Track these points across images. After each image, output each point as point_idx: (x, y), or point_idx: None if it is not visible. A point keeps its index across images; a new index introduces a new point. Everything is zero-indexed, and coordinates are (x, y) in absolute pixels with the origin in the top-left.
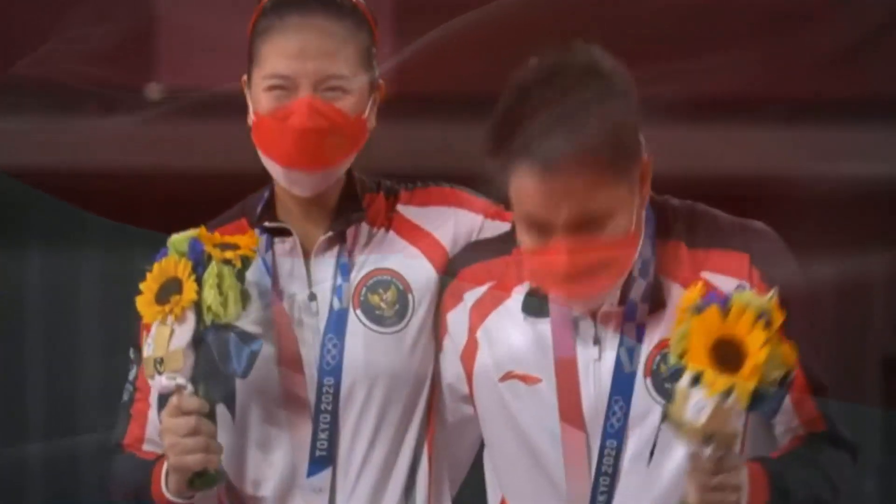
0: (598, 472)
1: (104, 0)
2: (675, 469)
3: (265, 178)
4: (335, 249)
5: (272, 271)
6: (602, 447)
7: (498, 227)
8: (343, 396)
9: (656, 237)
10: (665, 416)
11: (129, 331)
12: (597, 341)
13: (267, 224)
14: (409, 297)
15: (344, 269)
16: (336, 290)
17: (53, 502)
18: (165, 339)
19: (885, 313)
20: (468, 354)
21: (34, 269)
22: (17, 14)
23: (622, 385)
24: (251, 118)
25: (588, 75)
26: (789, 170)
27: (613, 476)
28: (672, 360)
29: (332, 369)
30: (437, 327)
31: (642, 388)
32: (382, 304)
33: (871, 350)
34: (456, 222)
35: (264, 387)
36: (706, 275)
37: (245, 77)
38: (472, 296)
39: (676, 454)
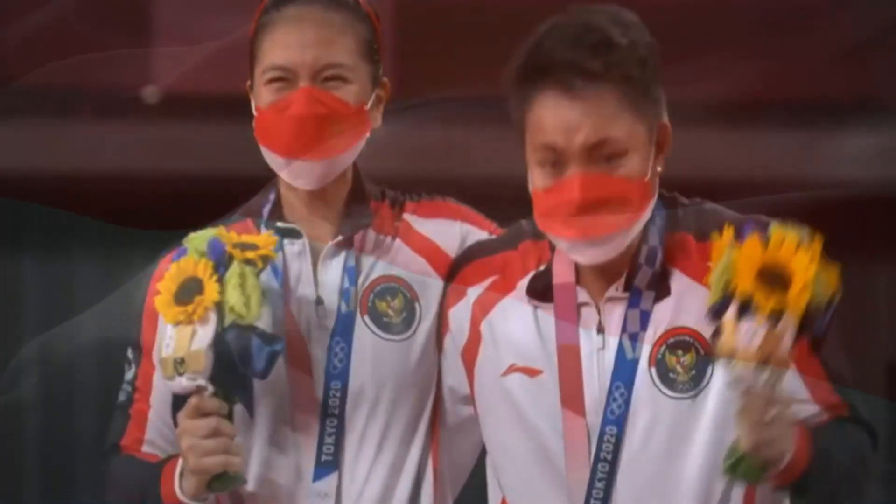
0: (597, 459)
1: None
2: (679, 461)
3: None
4: (342, 253)
5: (283, 273)
6: (602, 433)
7: None
8: (350, 401)
9: (665, 230)
10: (714, 353)
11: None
12: (600, 330)
13: (280, 225)
14: (417, 305)
15: (351, 273)
16: (343, 294)
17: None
18: (187, 340)
19: (890, 318)
20: (470, 350)
21: (31, 272)
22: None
23: (624, 371)
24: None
25: (615, 21)
26: (789, 172)
27: (613, 463)
28: (715, 295)
29: (339, 373)
30: (440, 328)
31: (646, 377)
32: (390, 311)
33: (874, 353)
34: (463, 238)
35: (274, 389)
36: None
37: (249, 82)
38: (475, 291)
39: (680, 447)
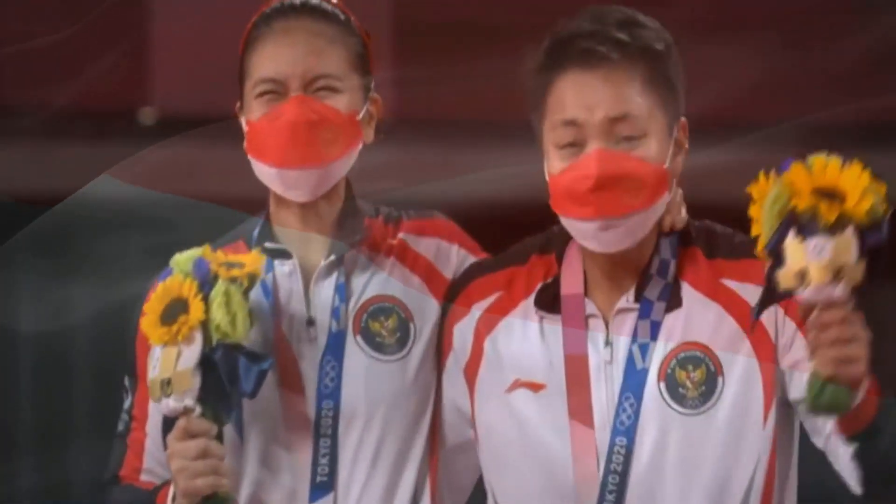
0: (608, 471)
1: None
2: (689, 477)
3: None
4: (334, 272)
5: (273, 293)
6: (612, 444)
7: None
8: (343, 421)
9: (677, 245)
10: (779, 281)
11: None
12: (608, 343)
13: (268, 245)
14: (411, 325)
15: (342, 291)
16: (334, 313)
17: None
18: (172, 360)
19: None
20: (472, 366)
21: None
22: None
23: (634, 382)
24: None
25: (633, 21)
26: None
27: (623, 475)
28: (769, 226)
29: (330, 392)
30: (441, 345)
31: (655, 390)
32: (383, 332)
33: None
34: (459, 261)
35: (266, 410)
36: (726, 282)
37: (238, 104)
38: (479, 307)
39: (690, 462)
